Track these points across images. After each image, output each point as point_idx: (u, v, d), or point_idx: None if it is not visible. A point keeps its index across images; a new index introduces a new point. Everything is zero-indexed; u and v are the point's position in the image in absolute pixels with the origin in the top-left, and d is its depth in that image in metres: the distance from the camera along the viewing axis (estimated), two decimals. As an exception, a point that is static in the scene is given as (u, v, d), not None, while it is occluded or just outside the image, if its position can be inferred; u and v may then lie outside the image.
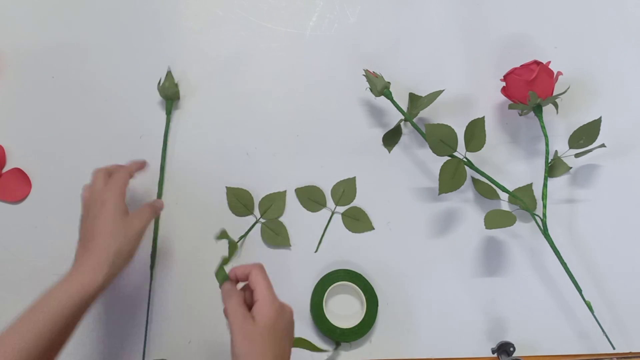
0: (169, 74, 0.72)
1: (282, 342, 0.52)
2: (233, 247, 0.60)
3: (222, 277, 0.55)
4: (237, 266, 0.54)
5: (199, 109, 0.74)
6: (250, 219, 0.71)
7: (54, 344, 0.51)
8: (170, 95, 0.71)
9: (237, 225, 0.70)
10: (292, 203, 0.71)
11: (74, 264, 0.55)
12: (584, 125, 0.69)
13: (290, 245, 0.70)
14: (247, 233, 0.70)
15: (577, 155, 0.70)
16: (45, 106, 0.73)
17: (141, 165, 0.66)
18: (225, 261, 0.56)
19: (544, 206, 0.68)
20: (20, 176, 0.71)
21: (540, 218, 0.67)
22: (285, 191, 0.71)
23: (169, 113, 0.72)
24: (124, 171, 0.61)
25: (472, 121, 0.68)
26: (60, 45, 0.74)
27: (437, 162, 0.68)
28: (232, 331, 0.51)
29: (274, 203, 0.70)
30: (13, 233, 0.70)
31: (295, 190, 0.71)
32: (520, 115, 0.73)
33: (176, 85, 0.72)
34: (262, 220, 0.70)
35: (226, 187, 0.71)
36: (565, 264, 0.66)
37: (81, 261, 0.54)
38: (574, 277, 0.66)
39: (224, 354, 0.68)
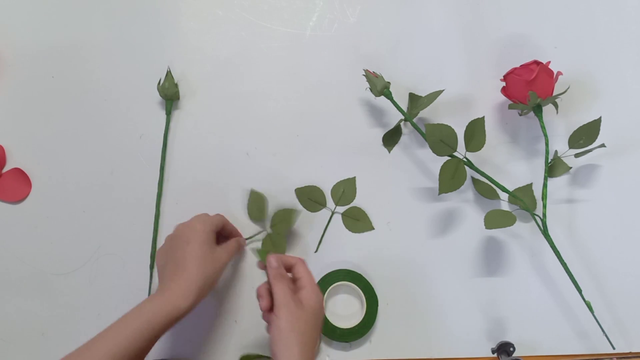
0: (168, 74, 0.71)
1: (318, 331, 0.57)
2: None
3: (264, 253, 0.59)
4: (281, 254, 0.59)
5: (199, 109, 0.74)
6: (262, 224, 0.71)
7: (137, 357, 0.52)
8: (170, 95, 0.71)
9: (238, 227, 0.70)
10: (292, 203, 0.71)
11: (162, 286, 0.57)
12: (584, 125, 0.69)
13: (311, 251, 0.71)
14: (252, 237, 0.70)
15: (577, 155, 0.70)
16: (45, 106, 0.73)
17: (239, 240, 0.67)
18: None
19: (544, 206, 0.68)
20: (20, 176, 0.71)
21: (540, 218, 0.67)
22: (295, 210, 0.70)
23: (168, 113, 0.72)
24: (220, 217, 0.64)
25: (472, 121, 0.68)
26: (60, 45, 0.74)
27: (437, 162, 0.68)
28: (279, 308, 0.54)
29: (284, 220, 0.70)
30: (13, 233, 0.70)
31: (295, 190, 0.71)
32: (520, 115, 0.73)
33: (176, 85, 0.72)
34: (269, 231, 0.70)
35: (251, 190, 0.70)
36: (565, 264, 0.66)
37: (172, 284, 0.56)
38: (574, 277, 0.66)
39: (224, 354, 0.68)
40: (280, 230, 0.69)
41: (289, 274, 0.59)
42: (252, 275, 0.70)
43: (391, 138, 0.73)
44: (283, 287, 0.56)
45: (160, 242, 0.70)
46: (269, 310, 0.56)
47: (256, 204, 0.70)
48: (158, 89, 0.71)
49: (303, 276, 0.58)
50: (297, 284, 0.58)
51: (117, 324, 0.52)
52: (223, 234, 0.66)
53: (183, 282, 0.55)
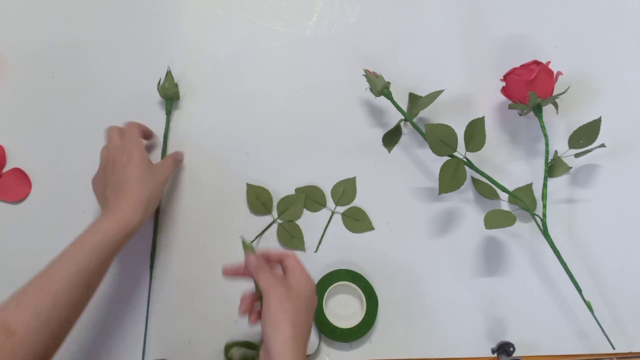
0: (168, 74, 0.71)
1: (310, 317, 0.55)
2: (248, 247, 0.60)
3: (249, 246, 0.57)
4: (272, 248, 0.58)
5: (198, 109, 0.74)
6: (265, 219, 0.71)
7: (92, 280, 0.54)
8: (170, 95, 0.71)
9: (238, 227, 0.70)
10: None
11: (107, 208, 0.58)
12: (584, 125, 0.69)
13: (305, 249, 0.70)
14: (263, 232, 0.70)
15: (577, 155, 0.70)
16: (45, 106, 0.73)
17: (148, 132, 0.69)
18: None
19: (544, 206, 0.68)
20: (20, 176, 0.71)
21: (540, 218, 0.67)
22: (303, 195, 0.71)
23: (168, 113, 0.72)
24: (135, 126, 0.65)
25: (472, 121, 0.68)
26: (60, 45, 0.74)
27: (437, 162, 0.68)
28: (267, 293, 0.53)
29: (292, 205, 0.70)
30: (13, 233, 0.70)
31: (295, 190, 0.71)
32: (520, 115, 0.73)
33: (176, 85, 0.72)
34: (279, 221, 0.70)
35: (247, 184, 0.71)
36: (565, 264, 0.66)
37: (115, 205, 0.58)
38: (574, 277, 0.66)
39: (224, 354, 0.68)
40: (291, 217, 0.69)
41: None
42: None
43: (391, 138, 0.73)
44: (266, 274, 0.55)
45: (161, 241, 0.70)
46: (248, 311, 0.57)
47: (256, 196, 0.70)
48: (158, 89, 0.71)
49: (293, 266, 0.56)
50: (286, 274, 0.56)
51: (72, 245, 0.55)
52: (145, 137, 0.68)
53: (129, 201, 0.58)
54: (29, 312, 0.50)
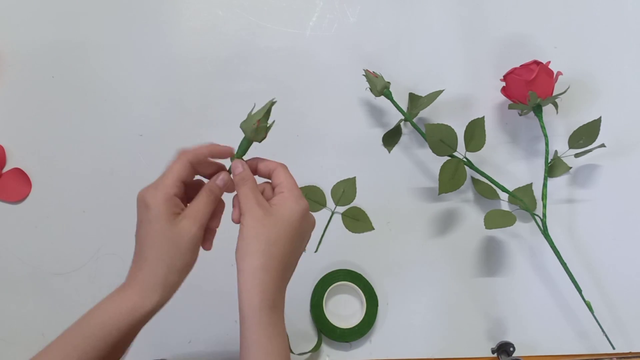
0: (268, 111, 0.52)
1: (297, 244, 0.47)
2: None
3: (242, 149, 0.50)
4: (261, 158, 0.49)
5: (199, 108, 0.74)
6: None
7: None
8: (255, 137, 0.51)
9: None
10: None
11: (126, 281, 0.46)
12: (584, 125, 0.69)
13: (305, 249, 0.70)
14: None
15: (577, 155, 0.70)
16: (45, 106, 0.73)
17: (214, 189, 0.49)
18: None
19: (544, 206, 0.68)
20: (20, 176, 0.71)
21: (540, 218, 0.67)
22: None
23: (243, 153, 0.51)
24: (182, 158, 0.47)
25: (472, 121, 0.68)
26: (60, 45, 0.74)
27: (437, 162, 0.68)
28: (243, 215, 0.45)
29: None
30: (13, 233, 0.70)
31: (295, 190, 0.71)
32: (520, 115, 0.73)
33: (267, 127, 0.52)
34: None
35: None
36: (565, 264, 0.66)
37: (132, 279, 0.45)
38: (573, 277, 0.66)
39: (224, 354, 0.68)
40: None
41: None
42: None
43: (391, 138, 0.73)
44: (246, 190, 0.47)
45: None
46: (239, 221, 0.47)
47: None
48: (243, 126, 0.52)
49: (282, 181, 0.47)
50: (275, 190, 0.48)
51: (68, 330, 0.44)
52: (204, 173, 0.50)
53: (144, 276, 0.45)
54: None
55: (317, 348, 0.67)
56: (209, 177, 0.50)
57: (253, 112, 0.51)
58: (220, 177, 0.49)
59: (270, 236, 0.45)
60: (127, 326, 0.44)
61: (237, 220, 0.47)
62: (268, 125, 0.51)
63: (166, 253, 0.44)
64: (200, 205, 0.47)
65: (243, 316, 0.44)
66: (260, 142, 0.51)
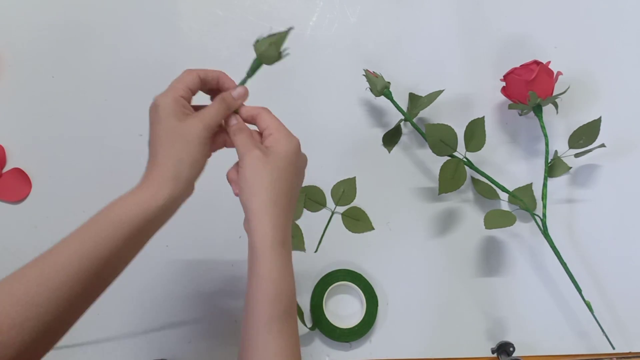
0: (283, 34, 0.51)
1: (296, 180, 0.49)
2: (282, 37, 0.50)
3: (252, 69, 0.51)
4: (243, 105, 0.51)
5: (199, 109, 0.74)
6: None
7: (102, 270, 0.43)
8: (269, 57, 0.52)
9: (239, 227, 0.70)
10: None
11: (139, 182, 0.47)
12: (584, 125, 0.69)
13: (305, 249, 0.70)
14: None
15: (577, 155, 0.70)
16: (45, 106, 0.73)
17: (209, 78, 0.51)
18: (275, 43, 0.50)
19: (544, 206, 0.68)
20: (20, 176, 0.71)
21: (540, 218, 0.67)
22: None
23: (252, 74, 0.53)
24: (192, 71, 0.50)
25: (472, 121, 0.68)
26: (60, 45, 0.74)
27: (437, 162, 0.68)
28: (241, 159, 0.47)
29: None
30: (13, 233, 0.70)
31: (295, 190, 0.71)
32: (520, 115, 0.73)
33: (279, 54, 0.52)
34: None
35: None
36: (565, 264, 0.66)
37: (142, 180, 0.47)
38: (573, 277, 0.66)
39: (224, 354, 0.68)
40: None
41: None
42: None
43: (391, 138, 0.73)
44: (243, 137, 0.48)
45: (161, 242, 0.70)
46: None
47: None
48: (256, 45, 0.52)
49: (269, 125, 0.49)
50: (263, 135, 0.49)
51: (83, 225, 0.45)
52: (216, 87, 0.52)
53: (154, 172, 0.46)
54: (18, 303, 0.40)
55: (313, 328, 0.67)
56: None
57: (268, 35, 0.51)
58: (237, 90, 0.51)
59: (273, 172, 0.46)
60: (142, 221, 0.44)
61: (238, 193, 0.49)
62: (282, 51, 0.51)
63: (175, 147, 0.46)
64: (210, 108, 0.48)
65: (255, 252, 0.45)
66: (270, 64, 0.51)
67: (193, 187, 0.49)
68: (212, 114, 0.48)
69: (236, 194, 0.50)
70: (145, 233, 0.46)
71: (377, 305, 0.68)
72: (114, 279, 0.45)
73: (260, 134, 0.50)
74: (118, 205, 0.45)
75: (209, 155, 0.49)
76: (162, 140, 0.46)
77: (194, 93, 0.50)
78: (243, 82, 0.52)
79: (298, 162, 0.49)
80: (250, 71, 0.52)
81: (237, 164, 0.50)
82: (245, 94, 0.51)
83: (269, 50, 0.50)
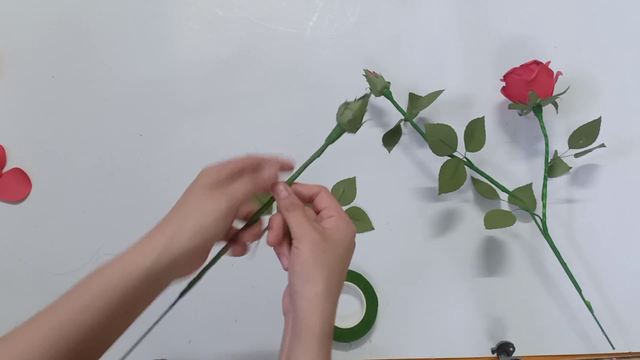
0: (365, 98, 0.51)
1: (347, 267, 0.47)
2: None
3: (331, 139, 0.50)
4: (300, 183, 0.49)
5: (199, 108, 0.74)
6: (266, 219, 0.71)
7: (100, 333, 0.40)
8: (351, 125, 0.52)
9: (239, 227, 0.70)
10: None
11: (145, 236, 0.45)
12: (584, 125, 0.69)
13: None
14: (264, 232, 0.69)
15: (576, 155, 0.70)
16: (45, 106, 0.73)
17: (259, 181, 0.48)
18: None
19: (544, 206, 0.68)
20: (20, 176, 0.71)
21: (540, 218, 0.67)
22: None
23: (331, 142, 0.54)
24: (249, 158, 0.48)
25: (472, 121, 0.68)
26: (60, 45, 0.74)
27: (437, 162, 0.68)
28: (299, 240, 0.44)
29: None
30: (13, 233, 0.70)
31: (295, 190, 0.71)
32: (520, 115, 0.73)
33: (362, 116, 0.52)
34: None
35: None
36: (565, 264, 0.66)
37: (148, 235, 0.44)
38: (573, 277, 0.66)
39: (224, 354, 0.68)
40: None
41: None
42: (252, 273, 0.70)
43: (391, 138, 0.73)
44: (298, 215, 0.46)
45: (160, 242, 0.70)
46: (279, 243, 0.47)
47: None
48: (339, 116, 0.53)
49: (328, 205, 0.48)
50: (321, 214, 0.48)
51: (64, 295, 0.40)
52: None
53: (152, 232, 0.43)
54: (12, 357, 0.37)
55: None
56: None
57: (351, 102, 0.51)
58: (268, 171, 0.48)
59: (330, 262, 0.45)
60: (129, 287, 0.40)
61: (274, 243, 0.47)
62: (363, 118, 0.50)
63: (182, 211, 0.44)
64: (238, 184, 0.46)
65: (300, 340, 0.44)
66: (354, 132, 0.51)
67: (193, 264, 0.46)
68: (238, 190, 0.45)
69: (285, 269, 0.47)
70: (133, 301, 0.41)
71: (377, 305, 0.68)
72: (105, 350, 0.41)
73: (316, 211, 0.49)
74: (106, 267, 0.41)
75: (223, 232, 0.45)
76: (179, 202, 0.45)
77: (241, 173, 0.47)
78: (322, 150, 0.52)
79: (352, 250, 0.48)
80: (329, 140, 0.51)
81: (288, 236, 0.47)
82: (285, 193, 0.48)
83: (354, 121, 0.50)
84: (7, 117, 0.72)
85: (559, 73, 0.69)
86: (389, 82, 0.69)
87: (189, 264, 0.45)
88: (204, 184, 0.45)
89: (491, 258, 0.71)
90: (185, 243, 0.42)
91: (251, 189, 0.46)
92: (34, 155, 0.72)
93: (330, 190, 0.71)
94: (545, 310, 0.70)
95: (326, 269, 0.44)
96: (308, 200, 0.49)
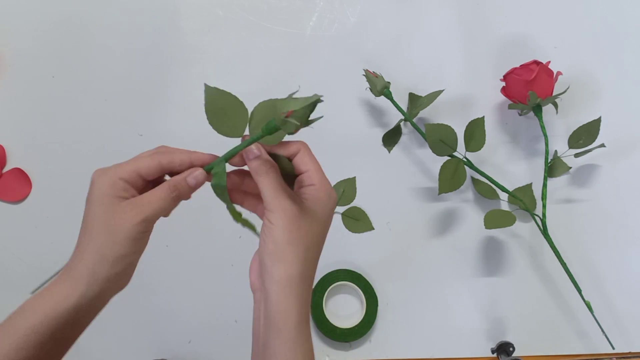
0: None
1: (322, 244, 0.42)
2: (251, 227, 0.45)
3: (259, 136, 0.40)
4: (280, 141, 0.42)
5: (199, 108, 0.73)
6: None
7: None
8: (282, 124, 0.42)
9: (239, 227, 0.70)
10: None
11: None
12: (584, 125, 0.69)
13: None
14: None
15: (576, 155, 0.70)
16: (45, 106, 0.73)
17: (176, 184, 0.43)
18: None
19: (544, 206, 0.68)
20: (20, 176, 0.71)
21: (540, 218, 0.67)
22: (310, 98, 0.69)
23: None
24: (154, 157, 0.42)
25: (472, 121, 0.68)
26: (60, 45, 0.74)
27: (437, 162, 0.68)
28: (272, 212, 0.39)
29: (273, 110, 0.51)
30: (13, 233, 0.70)
31: (295, 190, 0.71)
32: (520, 115, 0.73)
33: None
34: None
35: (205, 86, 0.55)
36: (564, 264, 0.66)
37: (63, 269, 0.40)
38: (573, 277, 0.66)
39: (224, 354, 0.68)
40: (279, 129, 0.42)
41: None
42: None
43: (391, 138, 0.73)
44: (271, 181, 0.39)
45: (161, 242, 0.70)
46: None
47: (221, 106, 0.46)
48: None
49: (310, 170, 0.41)
50: (300, 179, 0.41)
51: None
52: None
53: (71, 266, 0.39)
54: None
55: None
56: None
57: (291, 97, 0.42)
58: (194, 175, 0.42)
59: (307, 240, 0.39)
60: (50, 323, 0.37)
61: (256, 211, 0.42)
62: (310, 119, 0.42)
63: (97, 239, 0.38)
64: (154, 197, 0.40)
65: (275, 328, 0.39)
66: (292, 133, 0.42)
67: (122, 282, 0.41)
68: (154, 205, 0.40)
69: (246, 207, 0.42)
70: (61, 338, 0.39)
71: (377, 305, 0.68)
72: None
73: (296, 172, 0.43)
74: (26, 307, 0.38)
75: (142, 248, 0.41)
76: (87, 226, 0.39)
77: (145, 179, 0.41)
78: (248, 144, 0.42)
79: (330, 222, 0.42)
80: (263, 132, 0.41)
81: (260, 198, 0.41)
82: (203, 181, 0.43)
83: (285, 121, 0.41)
84: (7, 117, 0.72)
85: (558, 73, 0.69)
86: (388, 82, 0.69)
87: (121, 281, 0.41)
88: (103, 197, 0.39)
89: (491, 258, 0.71)
90: (109, 270, 0.39)
91: (171, 201, 0.41)
92: (34, 155, 0.72)
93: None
94: (545, 310, 0.70)
95: (302, 248, 0.39)
96: (286, 154, 0.43)
